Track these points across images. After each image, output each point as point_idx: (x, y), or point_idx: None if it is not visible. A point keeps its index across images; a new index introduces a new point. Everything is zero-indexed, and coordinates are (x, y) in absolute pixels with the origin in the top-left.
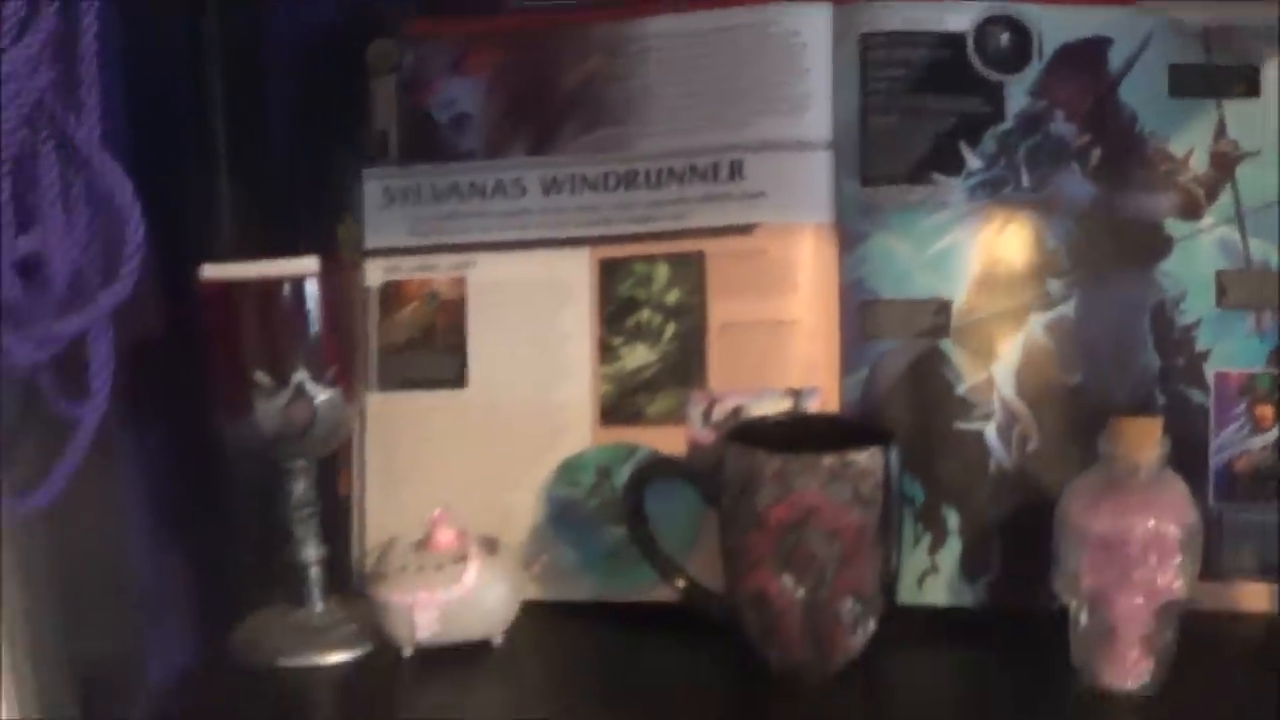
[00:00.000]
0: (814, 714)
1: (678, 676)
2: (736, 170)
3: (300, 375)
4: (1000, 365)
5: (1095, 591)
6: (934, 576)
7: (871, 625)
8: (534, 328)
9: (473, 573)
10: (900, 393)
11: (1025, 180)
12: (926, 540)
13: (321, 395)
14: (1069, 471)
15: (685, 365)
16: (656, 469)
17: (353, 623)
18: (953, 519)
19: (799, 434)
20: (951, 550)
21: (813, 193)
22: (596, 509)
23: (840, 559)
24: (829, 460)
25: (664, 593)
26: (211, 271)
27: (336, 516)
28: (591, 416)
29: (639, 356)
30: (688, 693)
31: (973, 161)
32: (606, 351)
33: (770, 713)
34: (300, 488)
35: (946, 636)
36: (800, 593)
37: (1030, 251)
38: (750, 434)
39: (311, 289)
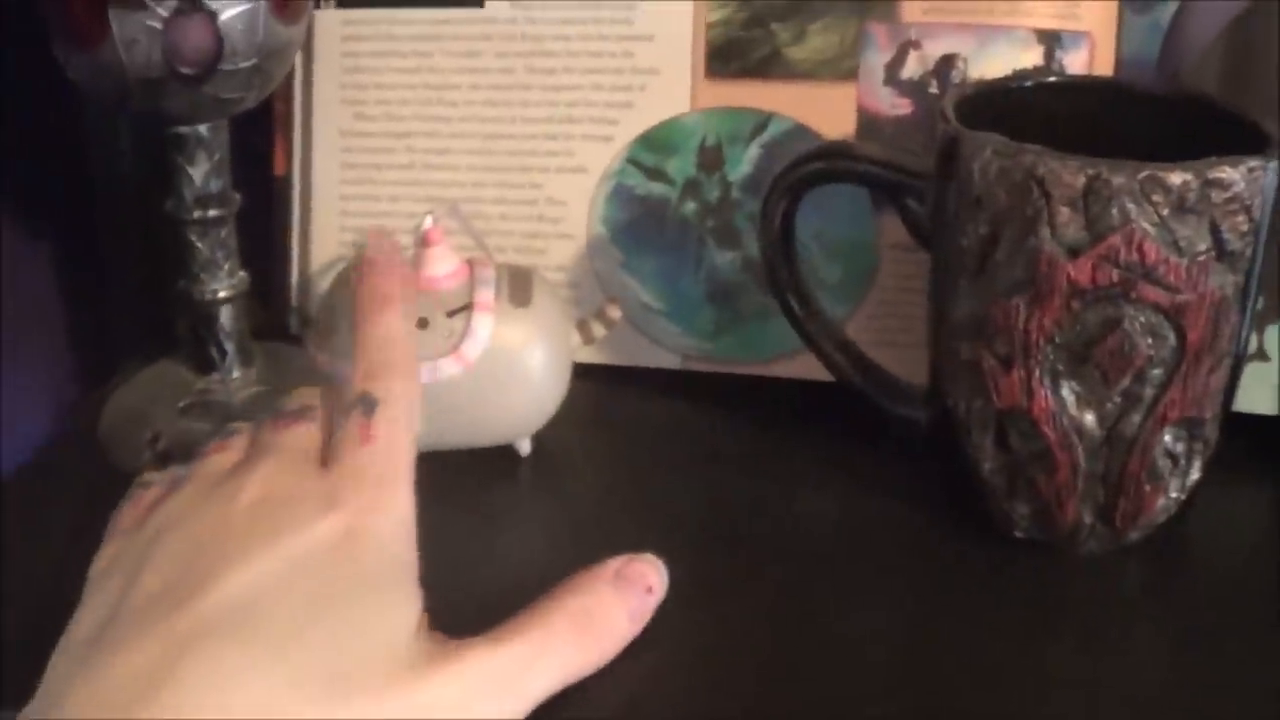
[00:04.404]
0: (1079, 609)
1: (825, 509)
2: None
3: None
4: None
5: None
6: (1263, 370)
7: (1195, 473)
8: None
9: (482, 335)
10: (1232, 48)
11: None
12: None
13: (232, 7)
14: None
15: None
16: (828, 164)
17: (280, 399)
18: None
19: (1070, 116)
20: None
21: None
22: (696, 219)
23: (1175, 361)
24: (1180, 177)
25: (809, 366)
26: None
27: (269, 215)
28: (693, 60)
29: None
30: (851, 538)
31: None
32: None
33: (1004, 599)
34: (199, 172)
35: None
36: (1091, 418)
37: None
38: (989, 112)
39: None
